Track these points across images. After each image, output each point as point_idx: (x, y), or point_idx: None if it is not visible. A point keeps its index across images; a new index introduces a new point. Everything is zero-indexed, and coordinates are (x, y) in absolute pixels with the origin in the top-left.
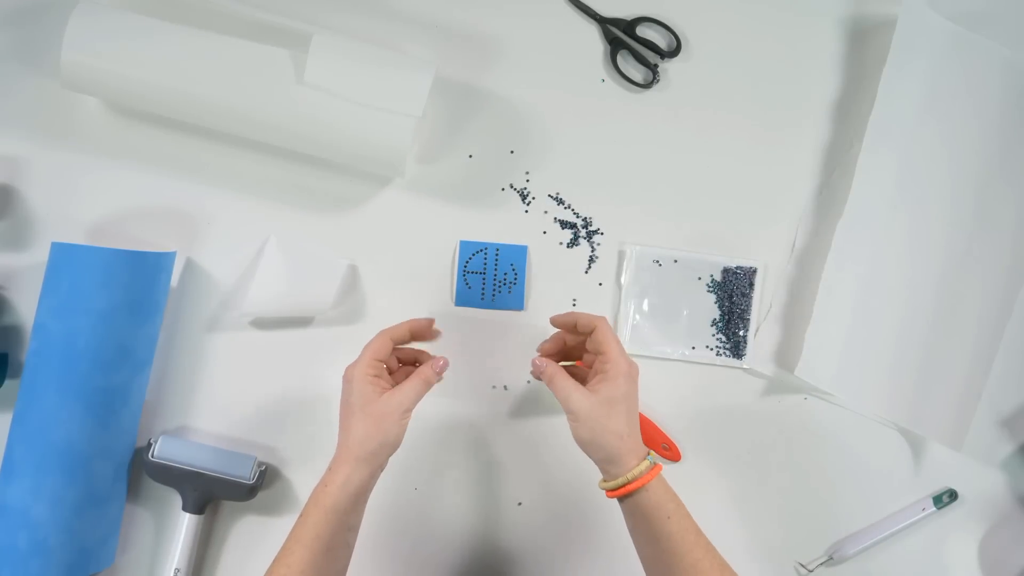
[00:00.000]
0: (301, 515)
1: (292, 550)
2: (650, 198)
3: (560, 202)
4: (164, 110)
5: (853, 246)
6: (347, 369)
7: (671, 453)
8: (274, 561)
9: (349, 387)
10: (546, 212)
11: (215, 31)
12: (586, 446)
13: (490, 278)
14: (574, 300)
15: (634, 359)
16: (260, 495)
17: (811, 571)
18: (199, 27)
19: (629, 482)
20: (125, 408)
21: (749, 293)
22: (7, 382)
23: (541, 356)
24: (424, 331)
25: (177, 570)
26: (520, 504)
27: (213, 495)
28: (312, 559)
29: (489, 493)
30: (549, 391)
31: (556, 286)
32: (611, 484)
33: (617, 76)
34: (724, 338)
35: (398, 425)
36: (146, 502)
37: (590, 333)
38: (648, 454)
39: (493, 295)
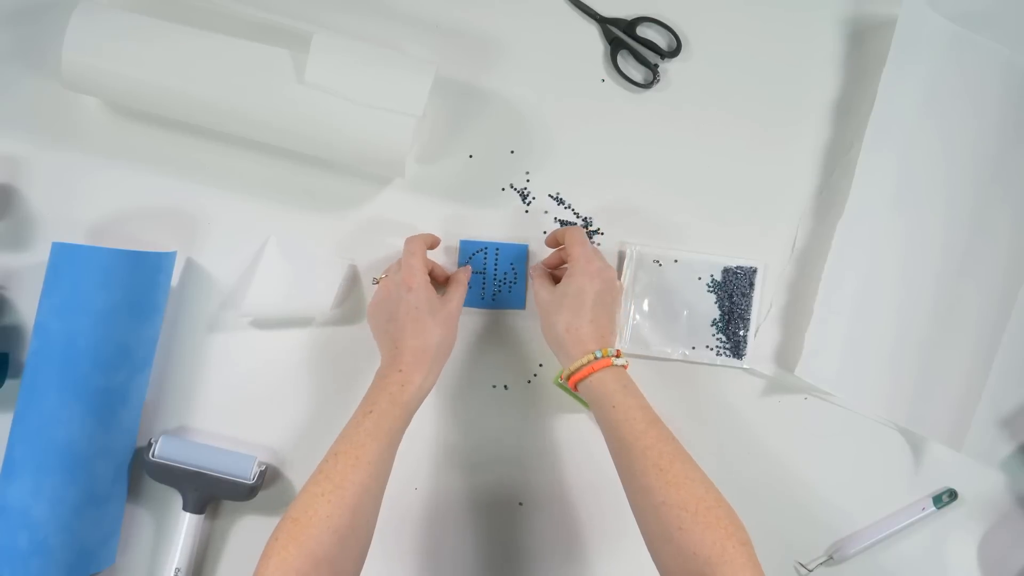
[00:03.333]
0: (372, 413)
1: (363, 443)
2: (650, 198)
3: (560, 202)
4: (164, 110)
5: (853, 246)
6: (405, 278)
7: None
8: (340, 453)
9: (411, 296)
10: (546, 212)
11: (215, 31)
12: (545, 337)
13: (490, 278)
14: None
15: (634, 356)
16: (260, 495)
17: (811, 571)
18: (199, 27)
19: (572, 372)
20: (125, 408)
21: (749, 293)
22: (7, 382)
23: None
24: (436, 244)
25: (177, 570)
26: (520, 504)
27: (213, 495)
28: (381, 454)
29: (489, 493)
30: (549, 390)
31: None
32: (564, 375)
33: (617, 76)
34: (724, 338)
35: (457, 326)
36: (146, 502)
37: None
38: (599, 349)
39: (493, 295)
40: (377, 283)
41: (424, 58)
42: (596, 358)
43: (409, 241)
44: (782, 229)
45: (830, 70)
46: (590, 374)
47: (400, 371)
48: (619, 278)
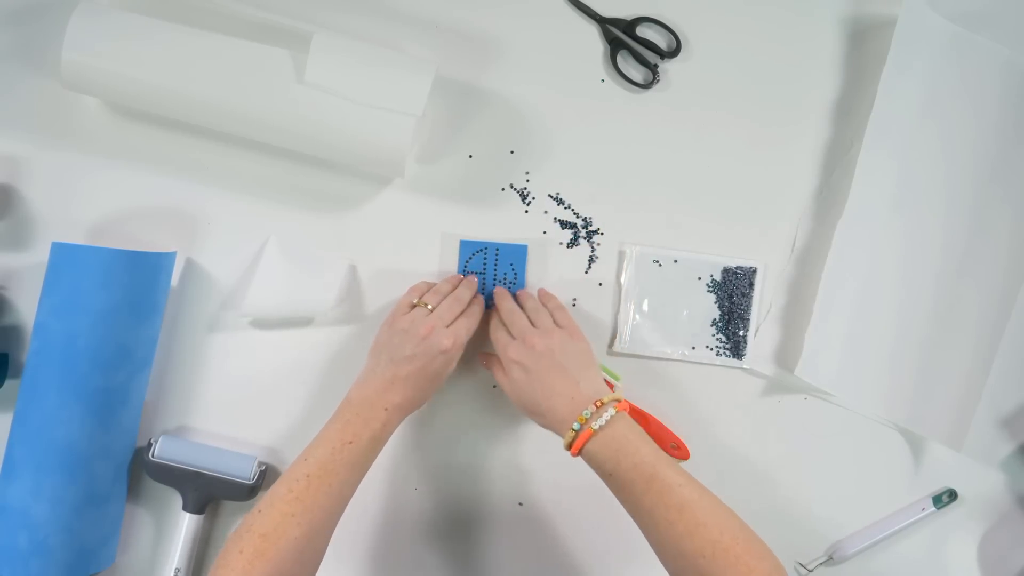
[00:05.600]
0: (353, 444)
1: (337, 472)
2: (650, 198)
3: (560, 202)
4: (164, 110)
5: (853, 246)
6: (448, 340)
7: (680, 452)
8: (313, 476)
9: (443, 357)
10: (546, 212)
11: (215, 31)
12: None
13: (490, 278)
14: (574, 300)
15: (634, 357)
16: (260, 495)
17: (811, 571)
18: (199, 27)
19: (568, 449)
20: (125, 408)
21: (749, 293)
22: (7, 382)
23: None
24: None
25: (177, 570)
26: (520, 504)
27: (213, 495)
28: (351, 481)
29: (489, 493)
30: None
31: (556, 286)
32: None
33: (617, 76)
34: (724, 338)
35: None
36: (146, 502)
37: None
38: (576, 421)
39: (493, 295)
40: (417, 306)
41: (424, 58)
42: (576, 432)
43: (476, 304)
44: (782, 229)
45: (830, 70)
46: (579, 450)
47: (386, 410)
48: (619, 278)
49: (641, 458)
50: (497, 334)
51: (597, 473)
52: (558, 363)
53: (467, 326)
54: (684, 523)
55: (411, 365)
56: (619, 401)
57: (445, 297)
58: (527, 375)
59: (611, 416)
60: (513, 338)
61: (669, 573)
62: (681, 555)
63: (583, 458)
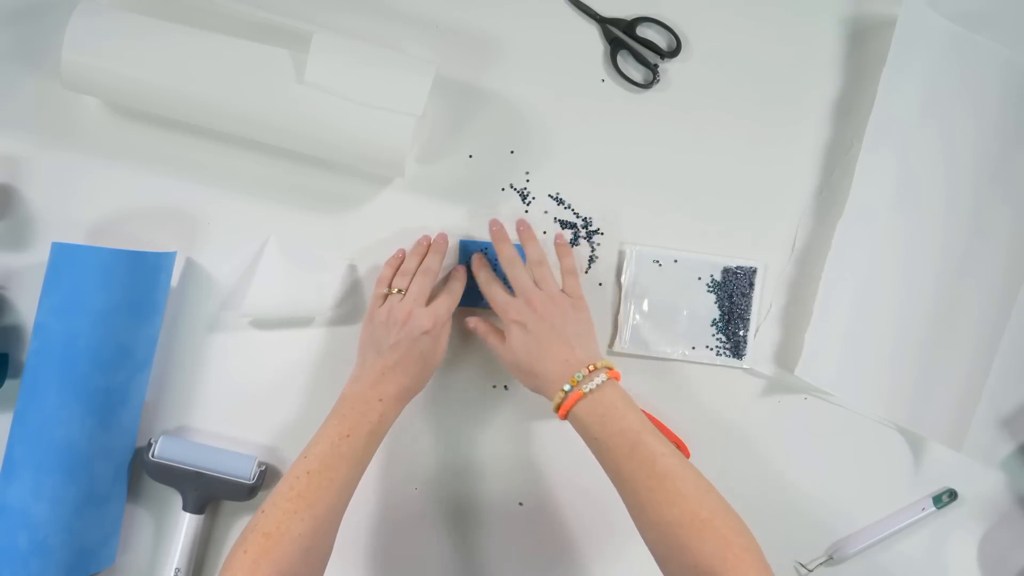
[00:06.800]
0: (350, 438)
1: (337, 466)
2: (650, 198)
3: (560, 202)
4: (164, 110)
5: (853, 246)
6: (429, 319)
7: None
8: (313, 472)
9: (426, 338)
10: (546, 212)
11: (215, 31)
12: None
13: None
14: None
15: (634, 357)
16: (260, 495)
17: (811, 571)
18: (199, 27)
19: (556, 411)
20: (125, 408)
21: (749, 293)
22: (7, 382)
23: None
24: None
25: (177, 570)
26: (520, 504)
27: (213, 495)
28: (352, 476)
29: (488, 493)
30: None
31: None
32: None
33: (617, 76)
34: (724, 338)
35: None
36: (146, 502)
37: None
38: (567, 383)
39: None
40: (391, 293)
41: (424, 58)
42: (565, 394)
43: (456, 280)
44: (782, 229)
45: (830, 70)
46: (567, 413)
47: (380, 401)
48: (619, 278)
49: (627, 424)
50: (492, 290)
51: (582, 437)
52: (558, 329)
53: (447, 304)
54: (664, 492)
55: (397, 353)
56: (611, 368)
57: (414, 276)
58: (525, 336)
59: (602, 381)
60: (512, 295)
61: (646, 541)
62: (659, 523)
63: (569, 421)
